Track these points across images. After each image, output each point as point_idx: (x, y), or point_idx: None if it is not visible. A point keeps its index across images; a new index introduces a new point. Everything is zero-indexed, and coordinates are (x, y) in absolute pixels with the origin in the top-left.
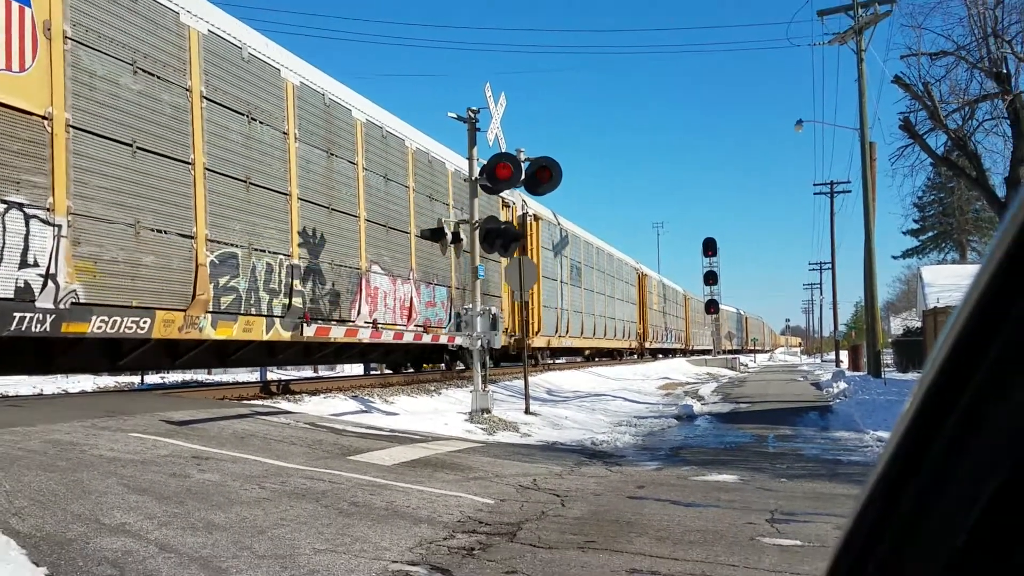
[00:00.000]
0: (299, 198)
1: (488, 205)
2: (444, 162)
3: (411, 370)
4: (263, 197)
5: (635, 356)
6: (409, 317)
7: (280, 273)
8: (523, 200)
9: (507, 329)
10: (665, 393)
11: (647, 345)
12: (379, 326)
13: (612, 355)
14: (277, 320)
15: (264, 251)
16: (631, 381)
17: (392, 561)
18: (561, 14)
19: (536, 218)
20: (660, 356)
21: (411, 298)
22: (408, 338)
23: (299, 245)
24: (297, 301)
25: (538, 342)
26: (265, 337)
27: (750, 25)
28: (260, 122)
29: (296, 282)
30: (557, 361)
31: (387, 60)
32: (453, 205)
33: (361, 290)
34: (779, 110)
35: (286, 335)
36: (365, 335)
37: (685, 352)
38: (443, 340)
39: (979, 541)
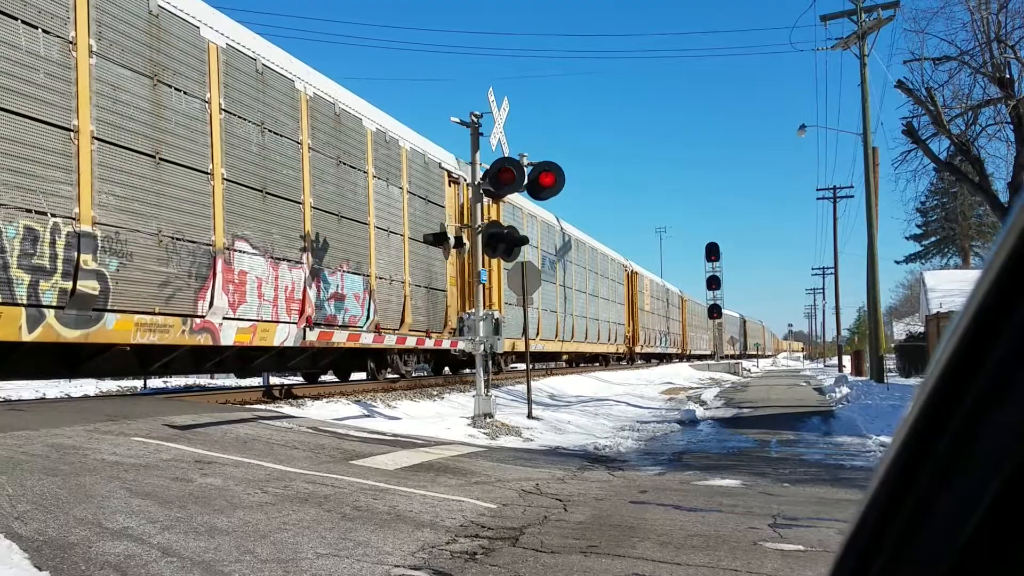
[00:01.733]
0: (96, 138)
1: (427, 177)
2: (360, 118)
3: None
4: (19, 130)
5: (623, 362)
6: (301, 312)
7: (56, 244)
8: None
9: (455, 331)
10: (668, 398)
11: (638, 349)
12: (261, 326)
13: (596, 360)
14: (50, 312)
15: (23, 209)
16: (634, 386)
17: (395, 566)
18: (564, 19)
19: (484, 192)
20: (653, 361)
21: (303, 287)
22: (325, 338)
23: (97, 206)
24: (88, 285)
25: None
26: (27, 337)
27: (753, 30)
28: (15, 18)
29: (88, 257)
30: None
31: (388, 64)
32: (375, 175)
33: (216, 274)
34: (782, 115)
35: (70, 334)
36: (282, 337)
37: (682, 357)
38: (380, 340)
39: (982, 545)
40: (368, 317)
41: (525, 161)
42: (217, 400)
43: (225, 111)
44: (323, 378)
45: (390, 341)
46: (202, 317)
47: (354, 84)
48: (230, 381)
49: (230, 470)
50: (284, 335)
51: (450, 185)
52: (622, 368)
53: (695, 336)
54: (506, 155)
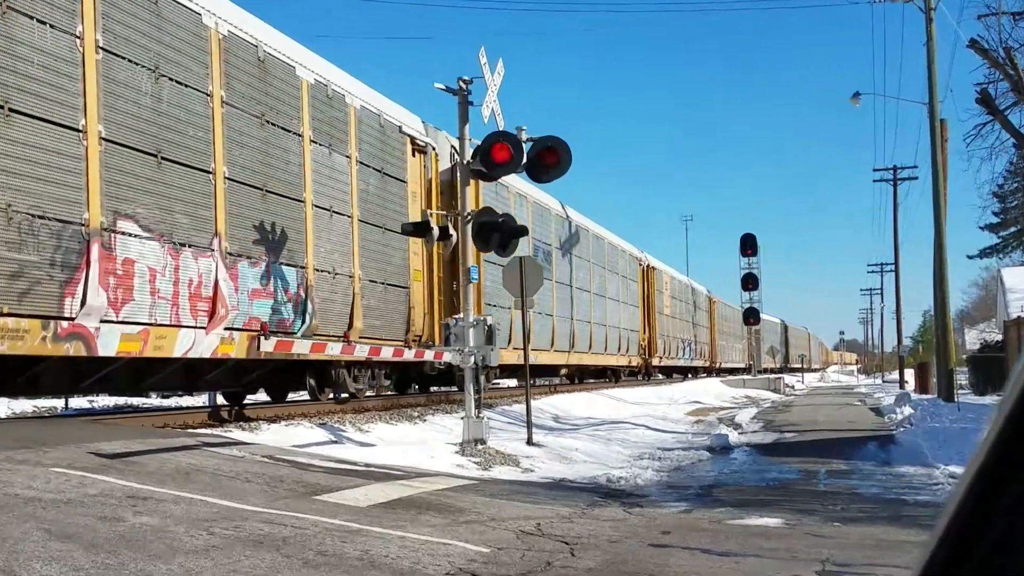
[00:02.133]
0: None
1: (383, 145)
2: (292, 66)
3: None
4: None
5: (638, 376)
6: (211, 313)
7: None
8: (450, 143)
9: (420, 338)
10: (695, 420)
11: (655, 362)
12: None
13: (603, 375)
14: None
15: None
16: (655, 406)
17: None
18: None
19: (474, 173)
20: (676, 377)
21: (214, 281)
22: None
23: None
24: None
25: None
26: None
27: None
28: None
29: None
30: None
31: (359, 18)
32: (314, 139)
33: (90, 264)
34: (832, 82)
35: None
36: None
37: (710, 371)
38: (350, 351)
39: None
40: (304, 321)
41: (523, 136)
42: (153, 423)
43: (104, 50)
44: (252, 398)
45: (361, 351)
46: (71, 319)
47: (324, 43)
48: (169, 400)
49: (169, 507)
50: (188, 343)
51: (415, 155)
52: (638, 384)
53: (726, 346)
54: (501, 129)
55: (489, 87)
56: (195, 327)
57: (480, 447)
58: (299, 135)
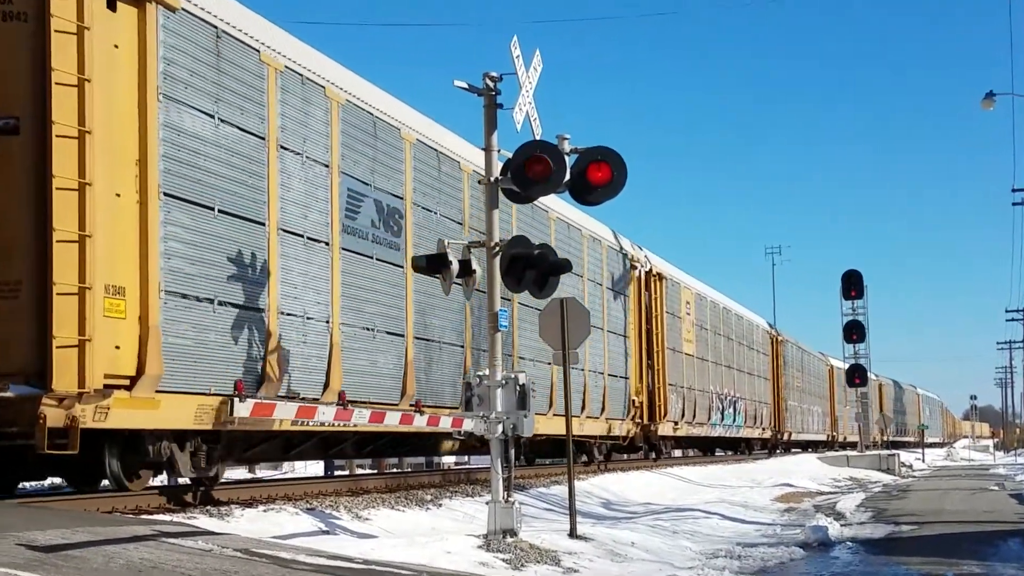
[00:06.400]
0: None
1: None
2: None
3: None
4: None
5: (638, 454)
6: None
7: None
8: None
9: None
10: (785, 508)
11: (663, 430)
12: None
13: (559, 452)
14: None
15: None
16: (733, 489)
17: None
18: None
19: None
20: (725, 454)
21: None
22: None
23: None
24: None
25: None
26: None
27: None
28: None
29: None
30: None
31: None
32: None
33: None
34: (954, 81)
35: None
36: None
37: (773, 445)
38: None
39: None
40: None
41: (566, 147)
42: (99, 508)
43: None
44: (262, 472)
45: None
46: None
47: (315, 33)
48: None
49: None
50: None
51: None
52: (712, 461)
53: (799, 408)
54: (538, 137)
55: (523, 86)
56: None
57: (510, 540)
58: None
